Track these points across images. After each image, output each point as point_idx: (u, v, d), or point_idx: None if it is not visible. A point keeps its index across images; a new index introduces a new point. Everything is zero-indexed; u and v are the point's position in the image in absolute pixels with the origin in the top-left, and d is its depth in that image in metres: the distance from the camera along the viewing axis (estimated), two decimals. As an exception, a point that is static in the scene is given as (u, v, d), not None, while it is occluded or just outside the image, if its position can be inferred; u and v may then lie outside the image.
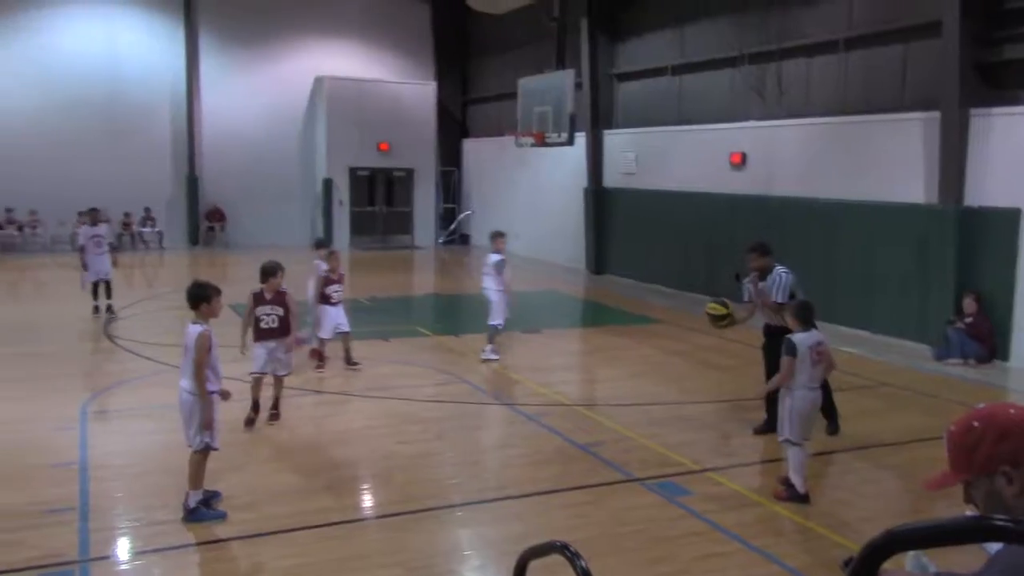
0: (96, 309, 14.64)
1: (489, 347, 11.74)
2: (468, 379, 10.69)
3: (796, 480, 6.87)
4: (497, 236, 11.96)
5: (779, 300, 8.44)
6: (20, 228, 23.81)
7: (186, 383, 6.51)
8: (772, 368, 8.04)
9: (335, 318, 10.91)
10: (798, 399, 6.80)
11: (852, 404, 9.96)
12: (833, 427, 8.77)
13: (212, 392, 6.49)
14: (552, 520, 6.57)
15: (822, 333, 7.06)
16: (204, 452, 6.47)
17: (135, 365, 11.13)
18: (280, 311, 8.65)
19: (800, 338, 6.84)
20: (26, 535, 6.01)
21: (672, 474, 7.49)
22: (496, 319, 11.69)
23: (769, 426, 8.37)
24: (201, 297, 6.70)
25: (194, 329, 6.56)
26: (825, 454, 8.20)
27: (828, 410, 8.55)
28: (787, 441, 6.89)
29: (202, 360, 6.42)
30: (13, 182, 23.47)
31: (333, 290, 10.92)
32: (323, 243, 12.41)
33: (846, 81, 14.86)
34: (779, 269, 8.74)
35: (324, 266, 11.06)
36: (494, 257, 11.69)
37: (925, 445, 8.33)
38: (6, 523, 6.18)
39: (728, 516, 6.57)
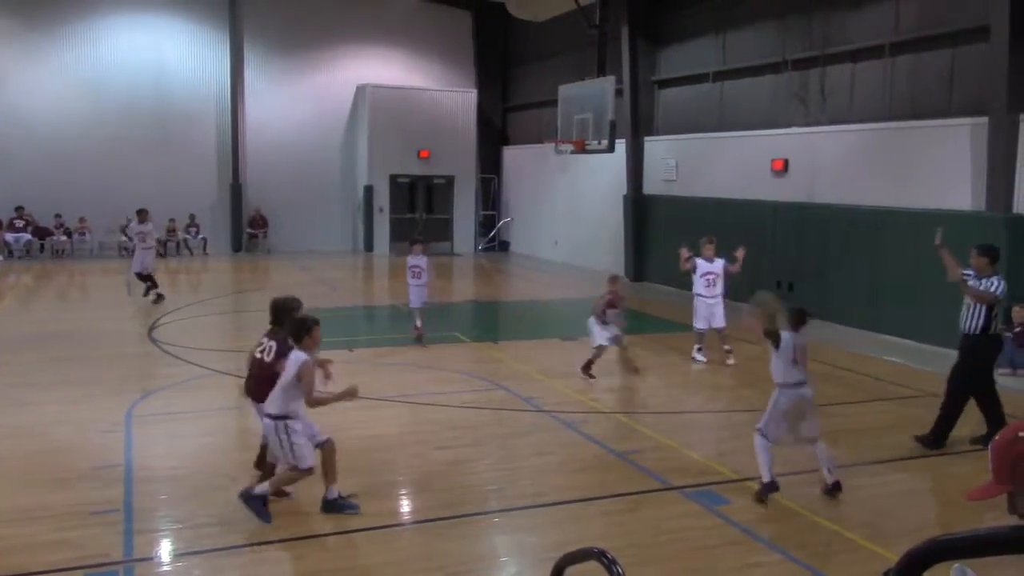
0: (148, 291, 16.21)
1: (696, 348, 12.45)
2: (506, 385, 10.69)
3: (761, 468, 7.08)
4: (706, 243, 12.73)
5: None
6: (69, 234, 24.32)
7: (272, 409, 6.44)
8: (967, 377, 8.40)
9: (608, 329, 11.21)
10: (783, 396, 7.20)
11: (897, 414, 9.82)
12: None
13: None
14: (589, 528, 6.54)
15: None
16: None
17: (179, 370, 11.30)
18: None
19: (787, 336, 7.21)
20: (72, 535, 6.13)
21: (711, 483, 7.42)
22: (698, 323, 12.47)
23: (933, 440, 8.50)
24: (304, 329, 6.53)
25: (297, 356, 6.40)
26: (867, 464, 8.07)
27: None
28: (758, 430, 7.24)
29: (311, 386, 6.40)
30: (63, 189, 24.03)
31: (613, 315, 11.26)
32: (616, 278, 12.33)
33: (892, 87, 14.66)
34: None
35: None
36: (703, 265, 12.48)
37: (971, 457, 8.17)
38: (53, 523, 6.30)
39: (768, 526, 6.50)
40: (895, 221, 14.04)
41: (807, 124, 16.22)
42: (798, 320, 7.34)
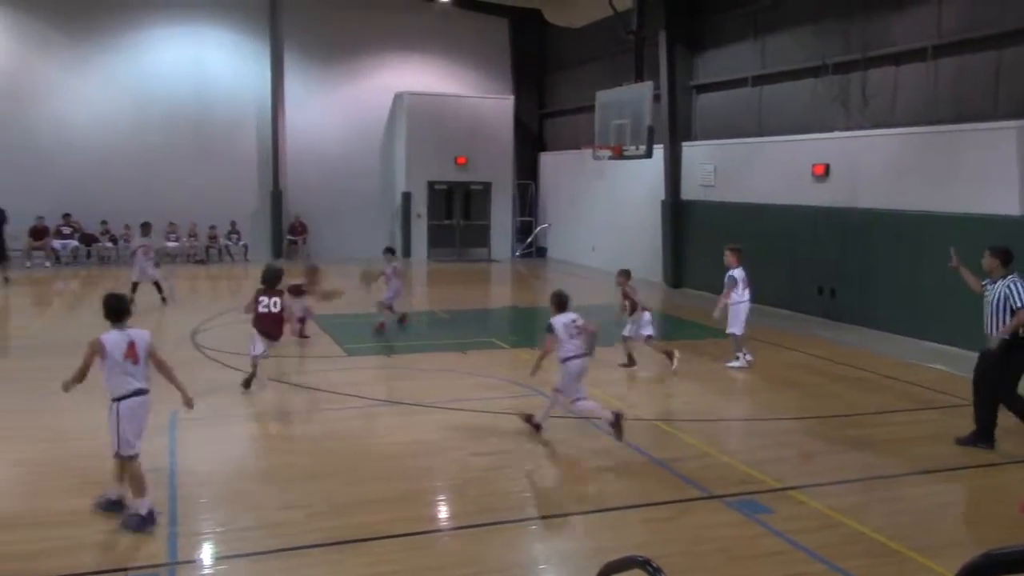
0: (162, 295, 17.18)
1: (739, 354, 12.54)
2: (544, 392, 10.65)
3: (540, 413, 8.90)
4: (731, 251, 13.09)
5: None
6: (114, 241, 24.74)
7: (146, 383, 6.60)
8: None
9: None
10: (569, 365, 8.70)
11: (942, 423, 9.64)
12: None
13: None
14: (629, 536, 6.51)
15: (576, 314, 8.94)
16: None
17: (221, 374, 11.43)
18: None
19: (558, 319, 8.77)
20: (118, 538, 6.22)
21: (753, 492, 7.34)
22: (732, 327, 12.53)
23: (977, 437, 8.64)
24: (127, 308, 6.77)
25: (142, 333, 6.66)
26: (914, 474, 7.94)
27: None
28: (556, 390, 8.85)
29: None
30: (108, 196, 24.47)
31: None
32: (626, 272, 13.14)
33: (935, 90, 14.44)
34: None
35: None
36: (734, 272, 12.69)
37: (1020, 467, 8.00)
38: (99, 526, 6.41)
39: (811, 536, 6.41)
40: (939, 226, 13.81)
41: (848, 128, 16.02)
42: (560, 305, 8.95)
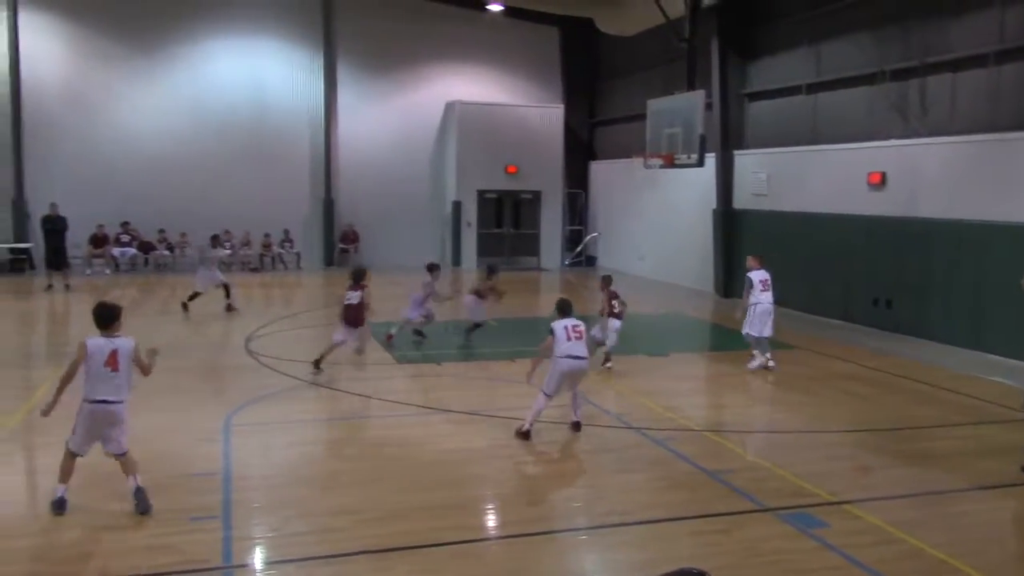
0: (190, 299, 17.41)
1: (764, 356, 12.74)
2: (594, 401, 10.61)
3: (529, 417, 9.04)
4: (752, 256, 13.52)
5: None
6: (171, 248, 25.25)
7: (119, 394, 6.74)
8: None
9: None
10: (560, 363, 9.01)
11: (1006, 438, 9.38)
12: None
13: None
14: (680, 548, 6.43)
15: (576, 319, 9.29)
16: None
17: (274, 380, 11.58)
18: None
19: (559, 322, 9.18)
20: (174, 540, 6.32)
21: (807, 505, 7.21)
22: (747, 327, 12.79)
23: None
24: (117, 315, 6.95)
25: (127, 342, 6.82)
26: (973, 490, 7.73)
27: None
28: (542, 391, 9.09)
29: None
30: (166, 205, 24.99)
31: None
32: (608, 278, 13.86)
33: (997, 97, 14.09)
34: None
35: None
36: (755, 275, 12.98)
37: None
38: (155, 529, 6.52)
39: (868, 551, 6.27)
40: (1000, 236, 13.48)
41: (906, 136, 15.72)
42: (562, 311, 9.39)
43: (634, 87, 25.21)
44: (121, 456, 6.88)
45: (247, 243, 26.01)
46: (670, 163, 17.88)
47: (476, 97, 27.62)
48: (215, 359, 13.36)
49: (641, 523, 6.90)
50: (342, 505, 7.09)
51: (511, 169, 27.28)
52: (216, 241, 18.24)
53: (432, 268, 14.81)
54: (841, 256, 17.06)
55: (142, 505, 6.77)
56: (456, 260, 27.26)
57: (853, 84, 17.19)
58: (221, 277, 17.59)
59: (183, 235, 25.26)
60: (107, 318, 6.86)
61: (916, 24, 15.59)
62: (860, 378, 12.50)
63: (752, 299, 12.79)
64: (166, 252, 25.19)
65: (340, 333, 12.08)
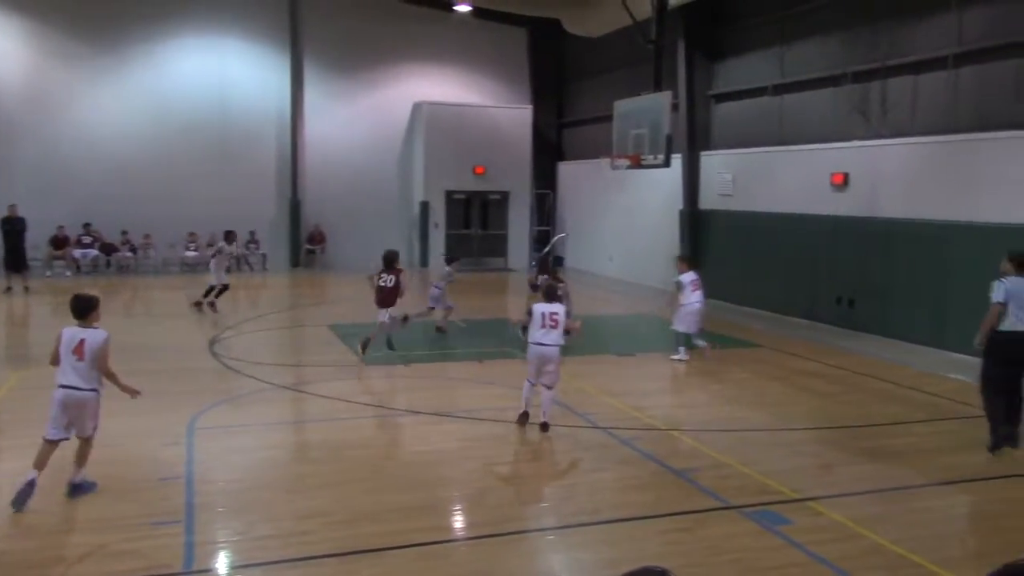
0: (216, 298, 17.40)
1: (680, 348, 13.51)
2: (561, 401, 10.64)
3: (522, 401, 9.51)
4: (679, 259, 14.29)
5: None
6: (134, 250, 24.93)
7: (81, 381, 6.96)
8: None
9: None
10: (529, 348, 9.40)
11: (964, 435, 9.54)
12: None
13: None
14: (646, 546, 6.47)
15: (559, 305, 9.56)
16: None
17: (240, 383, 11.49)
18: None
19: (538, 305, 9.43)
20: (135, 545, 6.24)
21: (771, 502, 7.28)
22: (677, 325, 13.51)
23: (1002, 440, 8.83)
24: (91, 306, 7.20)
25: (98, 334, 7.06)
26: (933, 486, 7.85)
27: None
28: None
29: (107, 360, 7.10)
30: (128, 206, 24.66)
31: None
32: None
33: (956, 98, 14.34)
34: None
35: None
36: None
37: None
38: (116, 534, 6.43)
39: (831, 547, 6.35)
40: (960, 235, 13.70)
41: (868, 137, 15.94)
42: (547, 296, 9.66)
43: (601, 88, 25.31)
44: (83, 438, 7.09)
45: (212, 244, 25.71)
46: (637, 164, 17.97)
47: (444, 97, 27.59)
48: (179, 361, 13.20)
49: (609, 522, 6.92)
50: (308, 508, 7.04)
51: (479, 170, 27.28)
52: (231, 237, 17.97)
53: (451, 260, 15.58)
54: (805, 256, 17.25)
55: (72, 494, 7.03)
56: (424, 261, 27.20)
57: (817, 86, 17.40)
58: (224, 277, 17.47)
59: (146, 236, 24.98)
60: (80, 309, 7.13)
61: (878, 27, 15.81)
62: (824, 376, 12.65)
63: (683, 299, 13.43)
64: (129, 254, 24.87)
65: (382, 315, 12.98)
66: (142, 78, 25.26)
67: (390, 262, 13.21)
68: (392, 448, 8.85)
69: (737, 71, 20.02)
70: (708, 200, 20.64)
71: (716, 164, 20.41)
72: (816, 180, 16.99)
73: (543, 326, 9.27)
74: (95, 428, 7.16)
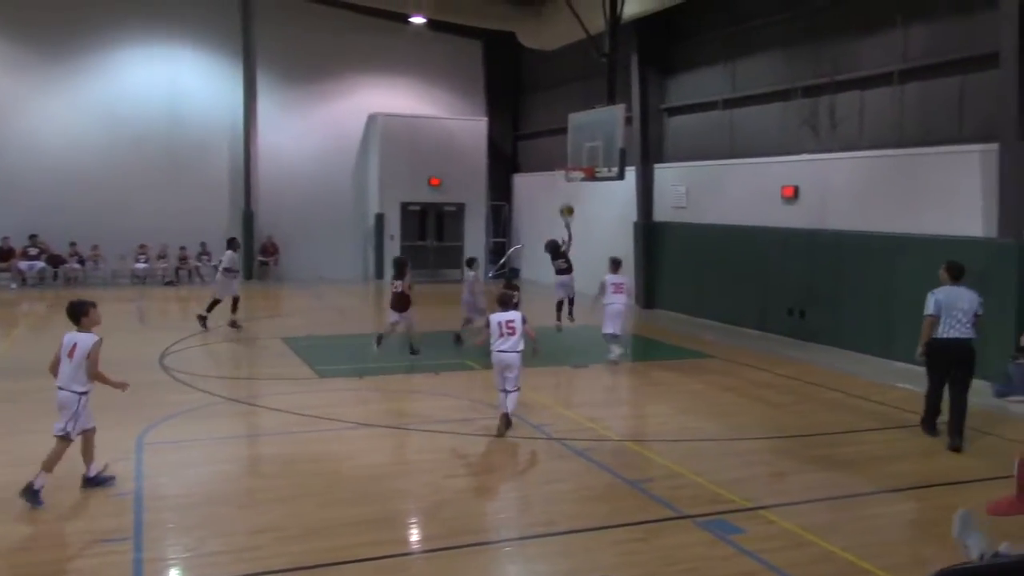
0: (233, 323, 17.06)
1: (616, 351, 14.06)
2: (516, 413, 10.64)
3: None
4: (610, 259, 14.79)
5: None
6: (82, 262, 24.46)
7: (66, 382, 7.42)
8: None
9: None
10: (493, 356, 9.74)
11: (910, 442, 9.74)
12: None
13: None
14: (601, 557, 6.49)
15: (515, 313, 9.92)
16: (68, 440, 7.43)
17: (189, 397, 11.31)
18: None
19: (495, 315, 9.81)
20: (82, 564, 6.12)
21: (724, 511, 7.36)
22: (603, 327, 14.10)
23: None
24: (81, 311, 7.65)
25: (88, 337, 7.53)
26: (881, 493, 8.00)
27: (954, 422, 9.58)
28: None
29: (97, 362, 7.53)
30: (77, 217, 24.22)
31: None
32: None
33: (901, 114, 14.68)
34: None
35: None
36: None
37: (985, 485, 8.09)
38: (63, 552, 6.30)
39: (782, 555, 6.43)
40: (906, 247, 14.00)
41: (817, 151, 16.24)
42: (501, 303, 9.98)
43: (556, 101, 25.47)
44: (57, 436, 7.34)
45: (163, 256, 25.38)
46: (591, 176, 18.07)
47: (399, 109, 27.56)
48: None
49: (564, 533, 6.94)
50: (261, 523, 6.96)
51: (434, 181, 27.25)
52: (234, 244, 17.70)
53: (471, 262, 16.13)
54: (757, 267, 17.50)
55: (25, 497, 7.06)
56: (379, 273, 27.08)
57: (767, 100, 17.69)
58: (235, 288, 17.28)
59: (95, 248, 24.53)
60: (74, 314, 7.67)
61: (826, 43, 16.13)
62: (775, 386, 12.83)
63: (605, 300, 14.01)
64: (77, 266, 24.39)
65: (394, 316, 13.99)
66: (91, 87, 24.85)
67: (400, 268, 14.05)
68: (346, 461, 8.78)
69: (689, 85, 20.29)
70: (662, 212, 20.86)
71: (670, 177, 20.63)
72: (767, 193, 17.26)
73: (501, 335, 9.64)
74: (73, 430, 7.38)
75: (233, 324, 16.92)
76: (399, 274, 13.99)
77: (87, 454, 7.61)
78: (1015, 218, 12.23)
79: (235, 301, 17.09)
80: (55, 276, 24.19)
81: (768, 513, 7.32)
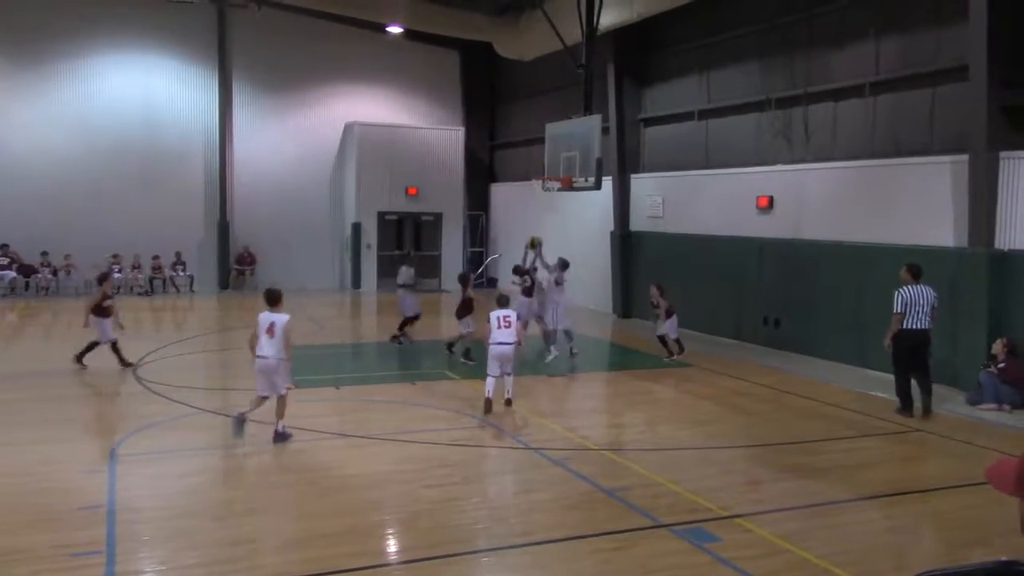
0: None
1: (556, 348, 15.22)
2: (494, 423, 10.65)
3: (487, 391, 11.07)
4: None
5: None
6: (55, 272, 24.20)
7: (273, 352, 9.33)
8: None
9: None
10: (490, 348, 11.07)
11: (884, 450, 9.84)
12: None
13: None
14: (579, 567, 6.50)
15: (508, 309, 11.38)
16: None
17: (164, 408, 11.21)
18: None
19: (494, 312, 11.19)
20: (54, 577, 6.03)
21: (700, 520, 7.39)
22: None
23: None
24: (279, 297, 9.67)
25: (283, 317, 9.45)
26: (855, 500, 8.06)
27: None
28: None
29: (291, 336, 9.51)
30: (49, 227, 23.98)
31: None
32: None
33: (873, 125, 14.86)
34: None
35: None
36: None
37: (959, 492, 8.17)
38: (33, 566, 6.21)
39: (757, 563, 6.46)
40: (879, 257, 14.15)
41: (792, 161, 16.39)
42: (499, 303, 11.49)
43: (533, 111, 25.56)
44: (279, 396, 9.55)
45: (137, 266, 25.15)
46: (568, 186, 18.12)
47: (376, 118, 27.54)
48: (102, 386, 12.84)
49: (542, 543, 6.94)
50: (237, 535, 6.90)
51: (411, 191, 27.24)
52: (408, 260, 18.30)
53: (518, 271, 16.49)
54: (733, 277, 17.62)
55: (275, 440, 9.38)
56: (356, 283, 27.00)
57: (742, 111, 17.85)
58: (412, 304, 17.28)
59: (67, 257, 24.27)
60: (271, 299, 9.66)
61: (800, 55, 16.31)
62: (751, 395, 12.90)
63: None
64: (49, 276, 24.12)
65: (465, 325, 14.69)
66: (64, 95, 24.64)
67: (463, 280, 15.39)
68: (322, 472, 8.73)
69: (665, 96, 20.43)
70: (638, 222, 20.96)
71: (646, 187, 20.74)
72: (742, 203, 17.39)
73: (499, 328, 11.01)
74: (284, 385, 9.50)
75: (395, 338, 16.81)
76: (465, 284, 15.16)
77: (279, 412, 9.41)
78: (985, 228, 12.40)
79: (411, 319, 16.93)
80: (26, 286, 23.91)
81: (744, 521, 7.36)
